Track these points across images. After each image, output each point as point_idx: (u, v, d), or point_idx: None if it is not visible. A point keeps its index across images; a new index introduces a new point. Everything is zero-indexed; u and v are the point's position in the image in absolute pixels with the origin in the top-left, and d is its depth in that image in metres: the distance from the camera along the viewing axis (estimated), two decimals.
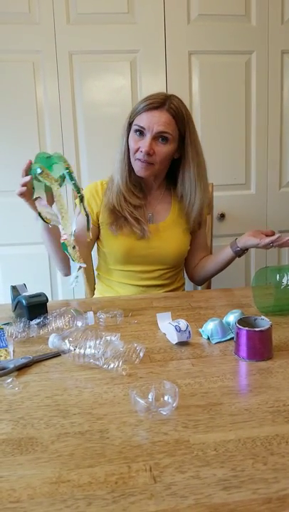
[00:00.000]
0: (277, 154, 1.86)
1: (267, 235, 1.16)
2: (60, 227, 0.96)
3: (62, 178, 0.98)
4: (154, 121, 1.14)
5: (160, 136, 1.16)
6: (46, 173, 0.96)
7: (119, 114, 1.74)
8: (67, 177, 0.97)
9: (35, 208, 1.03)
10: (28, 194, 1.01)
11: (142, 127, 1.16)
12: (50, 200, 1.01)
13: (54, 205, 0.99)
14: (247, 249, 1.25)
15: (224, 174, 1.83)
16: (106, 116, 1.74)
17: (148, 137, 1.15)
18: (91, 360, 0.76)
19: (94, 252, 1.53)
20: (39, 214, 1.00)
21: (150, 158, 1.17)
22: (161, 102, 1.15)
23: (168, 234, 1.28)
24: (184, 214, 1.29)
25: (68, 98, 1.71)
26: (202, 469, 0.51)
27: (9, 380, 0.73)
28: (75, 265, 1.01)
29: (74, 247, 0.96)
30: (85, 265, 0.96)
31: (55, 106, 1.71)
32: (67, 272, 1.27)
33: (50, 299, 1.01)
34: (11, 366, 0.76)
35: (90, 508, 0.46)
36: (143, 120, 1.16)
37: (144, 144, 1.15)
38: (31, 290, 1.02)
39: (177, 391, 0.63)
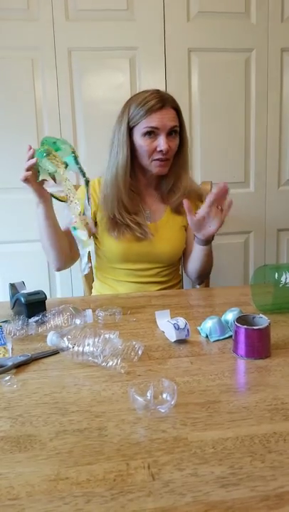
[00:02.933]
0: (276, 152, 1.86)
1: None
2: (70, 208, 0.96)
3: (66, 164, 0.98)
4: (166, 118, 1.16)
5: (172, 131, 1.18)
6: (54, 154, 0.95)
7: (119, 111, 1.73)
8: (72, 161, 0.95)
9: (40, 192, 1.02)
10: (33, 179, 1.02)
11: (154, 127, 1.16)
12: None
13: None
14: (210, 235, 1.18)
15: (223, 172, 1.82)
16: (105, 113, 1.73)
17: (163, 136, 1.16)
18: (90, 358, 0.76)
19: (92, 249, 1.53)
20: (52, 195, 1.00)
21: (167, 154, 1.19)
22: (165, 100, 1.18)
23: (165, 232, 1.28)
24: (170, 205, 1.29)
25: (67, 95, 1.70)
26: (200, 467, 0.51)
27: (8, 378, 0.73)
28: (84, 251, 1.00)
29: (84, 230, 0.96)
30: (92, 246, 0.97)
31: (54, 103, 1.70)
32: (59, 265, 1.26)
33: (48, 296, 1.00)
34: (10, 364, 0.76)
35: (88, 505, 0.46)
36: (154, 121, 1.16)
37: (162, 142, 1.16)
38: (30, 288, 1.02)
39: (176, 389, 0.64)
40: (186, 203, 1.10)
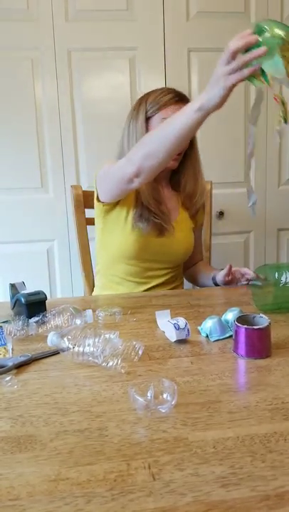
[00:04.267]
0: (276, 152, 1.86)
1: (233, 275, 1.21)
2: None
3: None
4: None
5: None
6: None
7: (118, 111, 1.73)
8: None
9: (224, 98, 0.83)
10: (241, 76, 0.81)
11: None
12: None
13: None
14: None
15: (223, 172, 1.82)
16: (105, 113, 1.74)
17: None
18: (90, 358, 0.76)
19: (92, 248, 1.53)
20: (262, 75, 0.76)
21: None
22: (183, 95, 1.19)
23: (179, 232, 1.28)
24: (188, 209, 1.32)
25: (67, 95, 1.70)
26: (201, 467, 0.51)
27: (8, 378, 0.73)
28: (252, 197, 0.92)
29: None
30: None
31: (54, 103, 1.70)
32: (153, 172, 1.03)
33: (48, 297, 1.00)
34: (10, 364, 0.76)
35: (89, 505, 0.46)
36: (172, 113, 1.13)
37: None
38: (30, 288, 1.02)
39: (176, 389, 0.64)
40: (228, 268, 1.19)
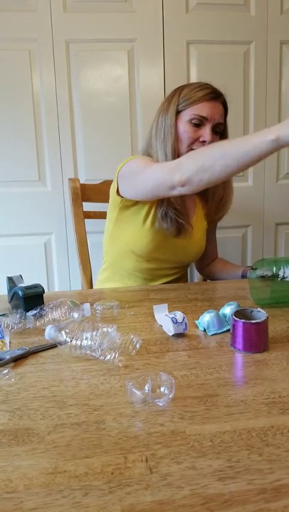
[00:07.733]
0: None
1: None
2: None
3: None
4: (216, 111, 1.14)
5: (216, 127, 1.16)
6: None
7: (117, 103, 1.72)
8: None
9: None
10: None
11: (203, 117, 1.13)
12: None
13: None
14: None
15: None
16: (103, 105, 1.72)
17: (208, 127, 1.13)
18: (87, 352, 0.76)
19: (90, 242, 1.52)
20: None
21: None
22: (219, 93, 1.16)
23: (196, 232, 1.27)
24: (205, 212, 1.30)
25: (65, 87, 1.69)
26: (198, 460, 0.51)
27: (5, 371, 0.73)
28: None
29: None
30: None
31: (52, 95, 1.69)
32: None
33: (46, 290, 1.00)
34: (8, 357, 0.76)
35: (86, 498, 0.46)
36: (205, 110, 1.13)
37: (207, 133, 1.13)
38: (27, 281, 1.02)
39: (173, 382, 0.64)
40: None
